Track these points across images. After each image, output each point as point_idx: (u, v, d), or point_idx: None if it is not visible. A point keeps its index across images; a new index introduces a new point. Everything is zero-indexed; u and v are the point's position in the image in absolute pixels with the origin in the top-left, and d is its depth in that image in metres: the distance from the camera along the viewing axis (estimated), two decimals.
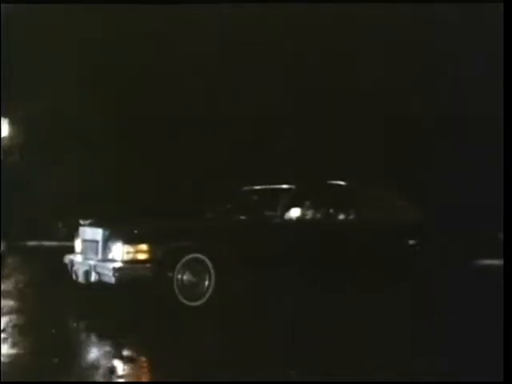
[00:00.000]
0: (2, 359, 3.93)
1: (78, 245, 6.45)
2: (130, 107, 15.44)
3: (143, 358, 4.12)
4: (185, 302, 5.60)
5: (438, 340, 4.84)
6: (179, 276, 5.62)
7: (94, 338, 4.75)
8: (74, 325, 5.29)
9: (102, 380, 3.62)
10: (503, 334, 3.64)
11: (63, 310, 5.97)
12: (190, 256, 5.69)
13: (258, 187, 7.34)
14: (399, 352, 4.47)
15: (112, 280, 5.39)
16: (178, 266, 5.60)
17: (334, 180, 7.20)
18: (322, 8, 14.05)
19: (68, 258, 6.44)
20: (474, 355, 4.32)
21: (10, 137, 14.74)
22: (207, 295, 5.73)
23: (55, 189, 14.19)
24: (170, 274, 5.54)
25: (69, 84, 14.77)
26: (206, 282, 5.75)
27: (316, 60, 15.36)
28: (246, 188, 7.49)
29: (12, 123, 14.68)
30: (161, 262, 5.50)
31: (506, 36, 4.50)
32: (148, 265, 5.47)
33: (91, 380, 3.62)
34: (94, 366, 3.88)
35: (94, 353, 4.32)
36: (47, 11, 13.68)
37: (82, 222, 6.43)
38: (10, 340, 4.51)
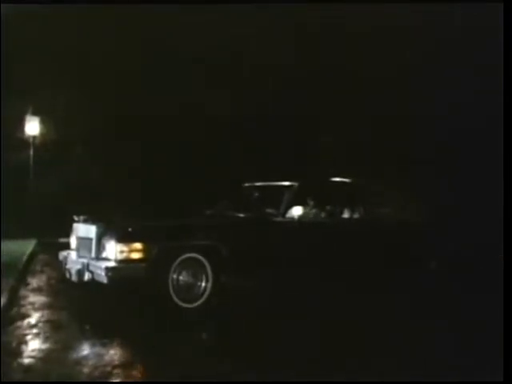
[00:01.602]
0: (3, 359, 3.94)
1: (72, 242, 6.29)
2: (128, 106, 15.39)
3: (135, 362, 4.04)
4: (180, 303, 5.44)
5: (438, 340, 4.81)
6: (175, 276, 5.44)
7: (88, 339, 4.65)
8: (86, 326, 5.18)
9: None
10: (503, 333, 3.62)
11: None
12: (187, 255, 5.52)
13: (259, 184, 7.16)
14: (400, 351, 4.45)
15: (105, 280, 5.21)
16: (174, 265, 5.43)
17: (338, 177, 7.08)
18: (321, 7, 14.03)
19: (62, 254, 6.26)
20: (474, 355, 4.33)
21: (40, 134, 14.94)
22: (204, 297, 5.58)
23: (83, 185, 14.40)
24: (165, 275, 5.35)
25: (66, 84, 14.77)
26: (203, 283, 5.61)
27: (318, 57, 15.31)
28: (246, 184, 7.31)
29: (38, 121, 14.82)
30: (156, 262, 5.31)
31: (506, 36, 4.47)
32: (142, 264, 5.29)
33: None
34: (87, 367, 3.85)
35: (86, 353, 4.23)
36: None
37: (75, 218, 6.26)
38: (42, 335, 4.66)
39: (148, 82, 15.39)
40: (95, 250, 5.61)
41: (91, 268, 5.49)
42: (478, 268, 7.60)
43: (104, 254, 5.49)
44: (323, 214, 6.69)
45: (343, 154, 14.67)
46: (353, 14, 14.07)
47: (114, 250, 5.32)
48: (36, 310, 5.64)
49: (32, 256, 9.51)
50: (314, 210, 6.58)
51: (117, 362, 3.96)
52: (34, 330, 4.81)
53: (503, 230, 4.12)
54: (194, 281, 5.60)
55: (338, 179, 7.04)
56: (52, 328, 4.91)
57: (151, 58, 15.32)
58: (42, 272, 8.14)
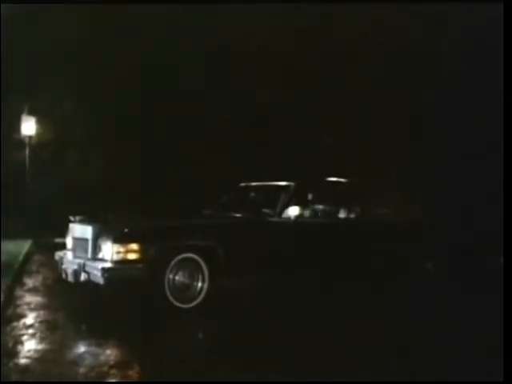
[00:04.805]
0: (3, 359, 3.93)
1: (68, 242, 6.26)
2: (128, 106, 15.38)
3: (131, 362, 4.01)
4: (177, 303, 5.42)
5: (437, 340, 4.81)
6: (171, 277, 5.42)
7: (84, 339, 4.62)
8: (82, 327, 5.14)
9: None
10: (503, 334, 3.61)
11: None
12: (183, 256, 5.50)
13: (255, 184, 7.14)
14: (400, 351, 4.44)
15: (101, 280, 5.19)
16: (170, 266, 5.40)
17: (335, 177, 7.06)
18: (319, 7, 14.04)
19: (58, 255, 6.24)
20: (474, 355, 4.32)
21: (37, 134, 14.92)
22: (200, 297, 5.57)
23: (80, 185, 14.37)
24: (162, 275, 5.33)
25: (64, 84, 14.76)
26: (199, 284, 5.60)
27: (316, 58, 15.30)
28: (242, 184, 7.30)
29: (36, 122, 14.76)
30: (152, 263, 5.28)
31: (506, 36, 4.45)
32: (139, 265, 5.27)
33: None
34: (84, 367, 3.84)
35: (83, 353, 4.20)
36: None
37: (72, 218, 6.22)
38: (38, 336, 4.64)
39: (147, 82, 15.37)
40: (91, 251, 5.59)
41: (87, 269, 5.47)
42: (477, 268, 7.58)
43: (100, 255, 5.47)
44: (320, 214, 6.65)
45: (343, 154, 14.66)
46: (353, 15, 14.08)
47: (110, 251, 5.30)
48: (32, 310, 5.63)
49: (28, 256, 9.48)
50: (310, 210, 6.55)
51: (113, 362, 3.94)
52: (31, 331, 4.80)
53: (503, 231, 4.09)
54: (191, 281, 5.58)
55: (334, 179, 7.02)
56: (48, 328, 4.89)
57: (150, 57, 15.30)
58: (38, 272, 8.12)
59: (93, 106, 15.20)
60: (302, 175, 7.09)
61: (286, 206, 6.16)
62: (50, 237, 10.29)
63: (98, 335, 4.64)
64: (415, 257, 6.88)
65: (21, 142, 14.77)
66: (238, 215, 6.42)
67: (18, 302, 5.92)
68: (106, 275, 5.19)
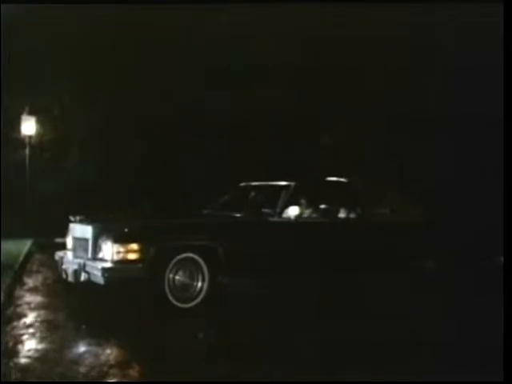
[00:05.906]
0: (2, 359, 3.92)
1: (68, 242, 6.27)
2: (128, 106, 15.39)
3: (131, 361, 4.01)
4: (177, 303, 5.43)
5: (438, 340, 4.80)
6: (171, 276, 5.43)
7: (84, 339, 4.62)
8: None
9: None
10: (503, 334, 3.60)
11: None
12: (183, 255, 5.51)
13: (255, 183, 7.14)
14: (399, 352, 4.43)
15: (101, 280, 5.21)
16: (170, 265, 5.41)
17: (335, 177, 7.04)
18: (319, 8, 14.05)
19: (58, 254, 6.25)
20: (474, 355, 4.31)
21: (37, 134, 14.93)
22: (200, 297, 5.58)
23: (80, 185, 14.39)
24: (162, 275, 5.33)
25: (64, 84, 14.78)
26: (199, 283, 5.60)
27: (314, 57, 15.31)
28: (242, 184, 7.30)
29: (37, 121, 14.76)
30: (152, 262, 5.29)
31: (506, 36, 4.45)
32: (139, 265, 5.27)
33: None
34: (84, 367, 3.84)
35: (83, 353, 4.20)
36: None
37: (72, 218, 6.23)
38: (38, 335, 4.65)
39: (146, 82, 15.37)
40: (92, 251, 5.60)
41: (88, 268, 5.48)
42: (477, 268, 7.57)
43: (100, 255, 5.48)
44: (320, 214, 6.65)
45: (343, 154, 14.67)
46: (353, 15, 14.08)
47: (110, 251, 5.31)
48: (32, 309, 5.63)
49: (28, 256, 9.48)
50: (310, 210, 6.55)
51: (113, 362, 3.95)
52: (31, 330, 4.80)
53: (503, 231, 4.09)
54: (191, 281, 5.59)
55: (334, 179, 7.01)
56: (48, 328, 4.90)
57: (150, 57, 15.30)
58: (38, 272, 8.12)
59: (93, 105, 15.21)
60: (302, 175, 7.08)
61: (286, 205, 6.15)
62: (50, 237, 10.30)
63: (98, 335, 4.64)
64: (415, 256, 6.87)
65: (21, 142, 14.78)
66: (238, 215, 6.41)
67: (19, 302, 5.93)
68: (106, 275, 5.20)
